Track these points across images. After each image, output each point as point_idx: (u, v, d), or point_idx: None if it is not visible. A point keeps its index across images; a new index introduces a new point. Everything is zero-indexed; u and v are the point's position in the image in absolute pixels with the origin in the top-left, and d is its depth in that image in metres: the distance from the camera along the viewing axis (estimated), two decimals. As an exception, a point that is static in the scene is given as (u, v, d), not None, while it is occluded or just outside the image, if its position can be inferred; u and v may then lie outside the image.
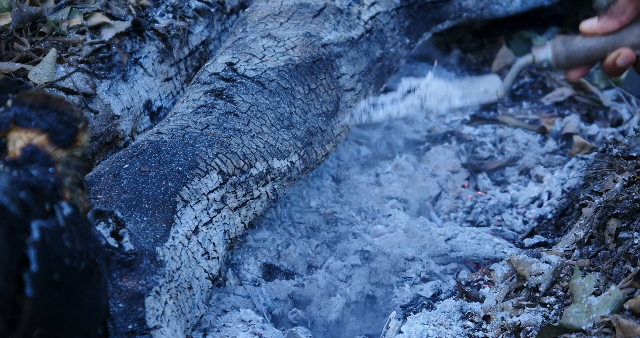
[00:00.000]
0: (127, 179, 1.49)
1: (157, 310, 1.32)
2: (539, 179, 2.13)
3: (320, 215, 1.95)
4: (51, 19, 1.90)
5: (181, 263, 1.43)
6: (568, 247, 1.64)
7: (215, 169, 1.58)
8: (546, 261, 1.59)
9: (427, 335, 1.53)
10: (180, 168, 1.54)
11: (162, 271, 1.36)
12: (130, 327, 1.27)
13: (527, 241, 1.85)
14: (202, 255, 1.51)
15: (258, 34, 1.91)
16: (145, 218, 1.43)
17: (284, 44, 1.88)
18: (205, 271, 1.52)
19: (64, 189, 0.94)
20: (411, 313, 1.65)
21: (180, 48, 2.08)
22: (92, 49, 1.88)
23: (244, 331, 1.57)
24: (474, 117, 2.38)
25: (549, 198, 2.03)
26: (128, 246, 1.32)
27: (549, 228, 1.91)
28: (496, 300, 1.58)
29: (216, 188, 1.58)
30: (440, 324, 1.56)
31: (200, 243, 1.51)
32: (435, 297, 1.72)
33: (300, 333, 1.58)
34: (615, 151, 1.79)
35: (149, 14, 2.06)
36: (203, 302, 1.52)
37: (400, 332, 1.55)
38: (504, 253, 1.80)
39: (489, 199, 2.06)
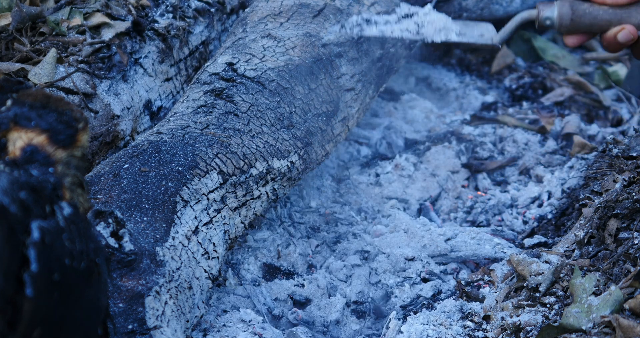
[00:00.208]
0: (127, 179, 1.49)
1: (157, 310, 1.32)
2: (539, 179, 2.13)
3: (320, 215, 1.96)
4: (51, 19, 1.90)
5: (181, 263, 1.43)
6: (568, 247, 1.64)
7: (215, 169, 1.58)
8: (546, 261, 1.59)
9: (427, 335, 1.53)
10: (180, 168, 1.54)
11: (162, 271, 1.36)
12: (130, 327, 1.27)
13: (527, 241, 1.85)
14: (202, 255, 1.51)
15: (258, 34, 1.91)
16: (145, 218, 1.43)
17: (284, 44, 1.88)
18: (205, 271, 1.52)
19: (64, 189, 0.94)
20: (411, 313, 1.65)
21: (180, 48, 2.08)
22: (92, 49, 1.88)
23: (244, 331, 1.57)
24: (474, 117, 2.38)
25: (549, 198, 2.03)
26: (128, 246, 1.32)
27: (549, 228, 1.91)
28: (496, 300, 1.58)
29: (216, 188, 1.58)
30: (440, 324, 1.56)
31: (200, 243, 1.51)
32: (435, 296, 1.72)
33: (300, 333, 1.58)
34: (615, 151, 1.79)
35: (149, 14, 2.06)
36: (203, 302, 1.52)
37: (400, 332, 1.55)
38: (504, 253, 1.80)
39: (489, 199, 2.06)
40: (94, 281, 0.93)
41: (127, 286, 1.30)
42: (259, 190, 1.69)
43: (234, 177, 1.62)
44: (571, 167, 2.10)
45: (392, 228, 1.88)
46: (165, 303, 1.34)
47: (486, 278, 1.73)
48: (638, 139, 1.80)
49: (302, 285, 1.72)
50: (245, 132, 1.69)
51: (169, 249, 1.41)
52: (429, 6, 1.77)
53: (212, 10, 2.21)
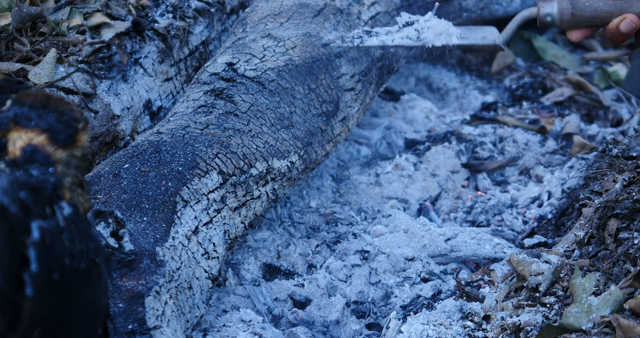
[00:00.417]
0: (127, 179, 1.49)
1: (157, 310, 1.32)
2: (539, 179, 2.13)
3: (320, 215, 1.95)
4: (51, 19, 1.90)
5: (181, 263, 1.43)
6: (568, 247, 1.64)
7: (215, 169, 1.58)
8: (546, 261, 1.59)
9: (427, 335, 1.53)
10: (180, 168, 1.54)
11: (162, 271, 1.36)
12: (130, 327, 1.27)
13: (527, 241, 1.85)
14: (202, 255, 1.51)
15: (258, 34, 1.91)
16: (145, 218, 1.43)
17: (284, 44, 1.88)
18: (205, 271, 1.52)
19: (64, 189, 0.94)
20: (411, 313, 1.65)
21: (180, 48, 2.08)
22: (92, 49, 1.88)
23: (244, 331, 1.57)
24: (474, 117, 2.38)
25: (549, 198, 2.03)
26: (128, 246, 1.32)
27: (549, 228, 1.91)
28: (496, 300, 1.58)
29: (216, 188, 1.58)
30: (440, 324, 1.56)
31: (200, 243, 1.51)
32: (435, 296, 1.72)
33: (300, 333, 1.58)
34: (615, 151, 1.79)
35: (149, 14, 2.06)
36: (203, 302, 1.52)
37: (400, 332, 1.55)
38: (504, 253, 1.80)
39: (489, 199, 2.06)
40: (94, 281, 0.93)
41: (127, 286, 1.30)
42: (259, 190, 1.69)
43: (234, 177, 1.62)
44: (571, 167, 2.10)
45: (392, 228, 1.88)
46: (165, 303, 1.34)
47: (486, 278, 1.73)
48: (638, 139, 1.80)
49: (302, 285, 1.72)
50: (245, 132, 1.69)
51: (169, 249, 1.41)
52: (429, 13, 1.77)
53: (212, 10, 2.21)
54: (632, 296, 1.34)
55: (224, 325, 1.58)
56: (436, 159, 2.15)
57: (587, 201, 1.74)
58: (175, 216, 1.47)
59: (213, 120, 1.68)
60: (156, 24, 2.03)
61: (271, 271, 1.78)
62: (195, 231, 1.51)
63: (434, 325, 1.55)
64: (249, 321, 1.59)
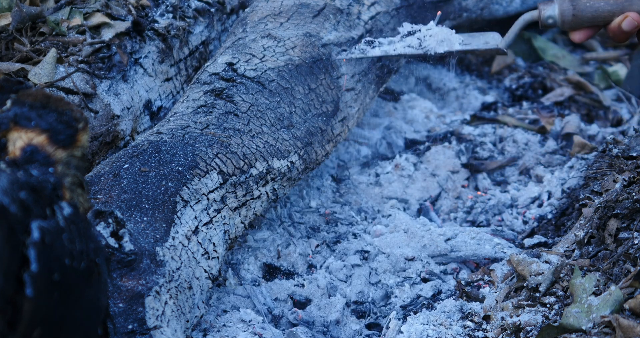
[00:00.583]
0: (127, 179, 1.49)
1: (157, 310, 1.32)
2: (539, 179, 2.13)
3: (320, 215, 1.95)
4: (51, 19, 1.90)
5: (181, 263, 1.43)
6: (568, 247, 1.64)
7: (215, 169, 1.58)
8: (546, 261, 1.59)
9: (427, 335, 1.53)
10: (180, 168, 1.54)
11: (162, 271, 1.36)
12: (130, 327, 1.27)
13: (527, 241, 1.85)
14: (202, 255, 1.51)
15: (258, 34, 1.91)
16: (145, 218, 1.43)
17: (284, 44, 1.88)
18: (205, 271, 1.52)
19: (64, 189, 0.94)
20: (411, 313, 1.65)
21: (180, 48, 2.08)
22: (92, 49, 1.88)
23: (244, 331, 1.57)
24: (474, 117, 2.38)
25: (549, 198, 2.03)
26: (128, 246, 1.32)
27: (549, 228, 1.91)
28: (496, 300, 1.58)
29: (216, 188, 1.58)
30: (440, 324, 1.56)
31: (200, 243, 1.51)
32: (435, 296, 1.72)
33: (300, 333, 1.58)
34: (615, 151, 1.79)
35: (149, 14, 2.06)
36: (203, 302, 1.52)
37: (400, 332, 1.55)
38: (504, 253, 1.80)
39: (489, 199, 2.06)
40: (94, 281, 0.93)
41: (127, 286, 1.30)
42: (259, 190, 1.69)
43: (234, 177, 1.62)
44: (571, 167, 2.10)
45: (392, 228, 1.88)
46: (165, 303, 1.34)
47: (486, 278, 1.73)
48: (638, 139, 1.80)
49: (302, 285, 1.72)
50: (245, 132, 1.69)
51: (169, 249, 1.41)
52: (432, 23, 1.77)
53: (212, 10, 2.21)
54: (632, 296, 1.34)
55: (224, 325, 1.58)
56: (436, 159, 2.15)
57: (587, 201, 1.74)
58: (175, 216, 1.47)
59: (213, 120, 1.68)
60: (156, 24, 2.03)
61: (271, 271, 1.78)
62: (195, 231, 1.51)
63: (434, 325, 1.55)
64: (249, 321, 1.59)
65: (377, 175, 2.10)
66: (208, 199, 1.56)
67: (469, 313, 1.60)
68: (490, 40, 1.71)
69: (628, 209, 1.54)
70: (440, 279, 1.78)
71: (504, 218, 2.01)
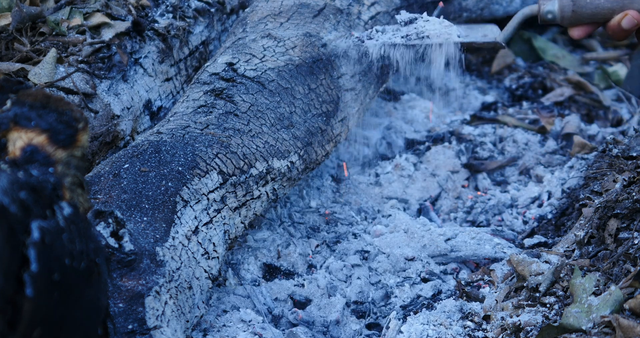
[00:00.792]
0: (127, 179, 1.49)
1: (157, 310, 1.32)
2: (539, 179, 2.13)
3: (320, 215, 1.95)
4: (51, 19, 1.90)
5: (181, 263, 1.43)
6: (568, 247, 1.64)
7: (215, 169, 1.58)
8: (546, 261, 1.59)
9: (427, 335, 1.53)
10: (180, 168, 1.54)
11: (162, 271, 1.36)
12: (130, 327, 1.27)
13: (527, 241, 1.85)
14: (202, 255, 1.51)
15: (258, 34, 1.91)
16: (145, 218, 1.43)
17: (284, 44, 1.88)
18: (205, 271, 1.52)
19: (64, 189, 0.94)
20: (411, 313, 1.65)
21: (180, 48, 2.08)
22: (92, 49, 1.88)
23: (244, 331, 1.57)
24: (474, 117, 2.38)
25: (549, 198, 2.03)
26: (128, 246, 1.32)
27: (549, 228, 1.91)
28: (496, 300, 1.58)
29: (216, 188, 1.58)
30: (440, 324, 1.56)
31: (200, 243, 1.51)
32: (435, 296, 1.72)
33: (300, 333, 1.58)
34: (615, 151, 1.79)
35: (149, 14, 2.06)
36: (203, 302, 1.52)
37: (400, 332, 1.55)
38: (504, 253, 1.80)
39: (489, 199, 2.06)
40: (94, 281, 0.93)
41: (127, 286, 1.30)
42: (259, 190, 1.69)
43: (234, 177, 1.62)
44: (571, 167, 2.10)
45: (392, 228, 1.88)
46: (165, 303, 1.34)
47: (486, 278, 1.73)
48: (638, 139, 1.80)
49: (302, 285, 1.72)
50: (245, 132, 1.69)
51: (169, 249, 1.41)
52: (430, 14, 1.77)
53: (212, 10, 2.21)
54: (632, 296, 1.34)
55: (224, 325, 1.58)
56: (436, 159, 2.15)
57: (587, 201, 1.74)
58: (175, 216, 1.47)
59: (213, 120, 1.68)
60: (156, 24, 2.03)
61: (271, 271, 1.78)
62: (195, 231, 1.51)
63: (434, 325, 1.55)
64: (249, 321, 1.59)
65: (377, 175, 2.10)
66: (208, 199, 1.56)
67: (469, 313, 1.60)
68: (489, 33, 1.71)
69: (628, 209, 1.54)
70: (440, 279, 1.78)
71: (504, 218, 2.01)
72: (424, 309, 1.65)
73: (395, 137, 2.27)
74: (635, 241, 1.47)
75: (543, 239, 1.85)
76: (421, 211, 2.02)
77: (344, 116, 1.94)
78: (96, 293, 0.94)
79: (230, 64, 1.82)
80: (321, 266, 1.80)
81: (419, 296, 1.72)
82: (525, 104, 2.48)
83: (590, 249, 1.57)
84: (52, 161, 0.94)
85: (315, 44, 1.90)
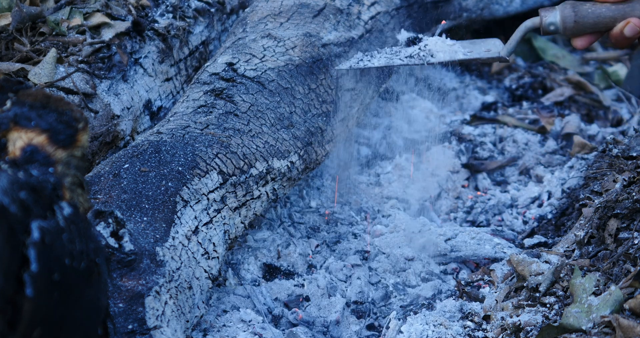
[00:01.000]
0: (127, 179, 1.49)
1: (157, 310, 1.32)
2: (539, 179, 2.13)
3: (320, 215, 1.95)
4: (51, 19, 1.90)
5: (181, 263, 1.43)
6: (568, 247, 1.64)
7: (215, 169, 1.58)
8: (546, 261, 1.59)
9: (427, 335, 1.53)
10: (180, 168, 1.54)
11: (162, 271, 1.36)
12: (130, 327, 1.27)
13: (527, 241, 1.85)
14: (202, 255, 1.51)
15: (258, 34, 1.91)
16: (145, 218, 1.43)
17: (284, 44, 1.88)
18: (205, 271, 1.52)
19: (64, 189, 0.94)
20: (411, 313, 1.65)
21: (180, 48, 2.08)
22: (92, 49, 1.88)
23: (244, 331, 1.57)
24: (474, 117, 2.38)
25: (549, 198, 2.03)
26: (128, 246, 1.32)
27: (549, 228, 1.91)
28: (496, 300, 1.58)
29: (216, 188, 1.58)
30: (440, 324, 1.55)
31: (200, 243, 1.51)
32: (435, 297, 1.72)
33: (300, 333, 1.58)
34: (615, 151, 1.79)
35: (149, 14, 2.06)
36: (203, 302, 1.52)
37: (400, 332, 1.55)
38: (504, 253, 1.80)
39: (489, 199, 2.06)
40: (94, 281, 0.93)
41: (127, 286, 1.30)
42: (259, 190, 1.69)
43: (234, 177, 1.62)
44: (571, 167, 2.10)
45: (392, 228, 1.88)
46: (165, 303, 1.34)
47: (486, 278, 1.73)
48: (638, 139, 1.80)
49: (302, 285, 1.72)
50: (245, 132, 1.69)
51: (169, 249, 1.41)
52: (426, 36, 1.78)
53: (212, 10, 2.21)
54: (632, 296, 1.34)
55: (224, 325, 1.58)
56: (436, 159, 2.15)
57: (587, 201, 1.74)
58: (175, 216, 1.47)
59: (213, 120, 1.68)
60: (156, 24, 2.03)
61: (271, 271, 1.78)
62: (195, 231, 1.51)
63: (434, 325, 1.55)
64: (249, 321, 1.59)
65: (377, 175, 2.10)
66: (208, 199, 1.56)
67: (469, 313, 1.60)
68: (492, 47, 1.71)
69: (628, 209, 1.54)
70: (440, 279, 1.78)
71: (504, 218, 2.01)
72: (424, 309, 1.65)
73: (395, 137, 2.27)
74: (635, 241, 1.47)
75: (543, 239, 1.85)
76: (421, 211, 2.02)
77: (344, 116, 1.94)
78: (96, 293, 0.94)
79: (230, 64, 1.82)
80: (321, 266, 1.80)
81: (419, 296, 1.72)
82: (525, 104, 2.48)
83: (590, 249, 1.57)
84: (52, 161, 0.94)
85: (315, 44, 1.90)
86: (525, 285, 1.55)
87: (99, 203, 1.43)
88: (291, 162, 1.75)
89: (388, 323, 1.58)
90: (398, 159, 2.13)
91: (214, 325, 1.58)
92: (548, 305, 1.47)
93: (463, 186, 2.12)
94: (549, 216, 1.95)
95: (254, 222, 1.84)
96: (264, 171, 1.68)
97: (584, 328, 1.33)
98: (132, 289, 1.30)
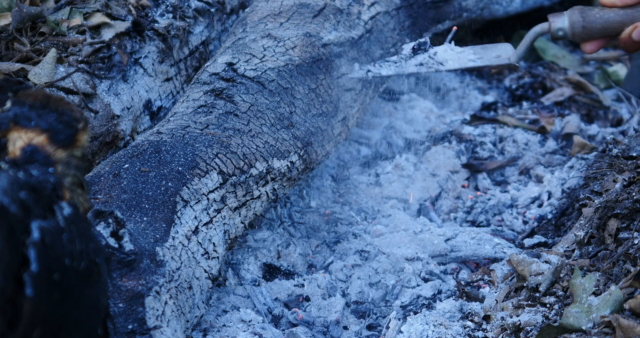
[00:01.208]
0: (127, 179, 1.49)
1: (157, 310, 1.32)
2: (539, 179, 2.13)
3: (320, 214, 1.95)
4: (51, 19, 1.90)
5: (181, 263, 1.43)
6: (568, 247, 1.64)
7: (215, 169, 1.58)
8: (546, 261, 1.59)
9: (427, 335, 1.53)
10: (180, 168, 1.54)
11: (162, 271, 1.36)
12: (130, 327, 1.27)
13: (527, 241, 1.85)
14: (202, 255, 1.51)
15: (258, 34, 1.91)
16: (145, 218, 1.43)
17: (284, 44, 1.88)
18: (205, 271, 1.52)
19: (64, 189, 0.94)
20: (411, 313, 1.65)
21: (180, 48, 2.08)
22: (92, 49, 1.88)
23: (244, 331, 1.57)
24: (474, 117, 2.38)
25: (549, 198, 2.03)
26: (128, 246, 1.32)
27: (549, 228, 1.91)
28: (496, 300, 1.58)
29: (216, 188, 1.58)
30: (440, 324, 1.55)
31: (200, 243, 1.51)
32: (435, 296, 1.72)
33: (300, 333, 1.58)
34: (615, 151, 1.79)
35: (149, 14, 2.06)
36: (203, 302, 1.52)
37: (400, 332, 1.55)
38: (504, 253, 1.80)
39: (489, 199, 2.06)
40: (94, 281, 0.93)
41: (127, 286, 1.30)
42: (259, 190, 1.69)
43: (234, 177, 1.62)
44: (571, 167, 2.10)
45: (392, 228, 1.88)
46: (165, 303, 1.34)
47: (486, 278, 1.73)
48: (638, 139, 1.80)
49: (302, 285, 1.72)
50: (245, 132, 1.69)
51: (169, 249, 1.41)
52: (445, 43, 1.78)
53: (212, 10, 2.21)
54: (632, 296, 1.34)
55: (224, 325, 1.58)
56: (436, 159, 2.15)
57: (587, 201, 1.74)
58: (175, 216, 1.47)
59: (213, 120, 1.68)
60: (156, 24, 2.03)
61: (271, 271, 1.78)
62: (195, 231, 1.51)
63: (434, 325, 1.55)
64: (249, 321, 1.59)
65: (377, 175, 2.10)
66: (208, 199, 1.56)
67: (469, 313, 1.60)
68: (502, 53, 1.72)
69: (628, 209, 1.54)
70: (440, 279, 1.78)
71: (504, 218, 2.01)
72: (424, 309, 1.65)
73: (395, 137, 2.27)
74: (635, 241, 1.47)
75: (543, 239, 1.85)
76: (421, 211, 2.02)
77: (344, 116, 1.94)
78: (96, 293, 0.94)
79: (230, 64, 1.82)
80: (321, 266, 1.80)
81: (419, 296, 1.72)
82: (525, 104, 2.48)
83: (590, 249, 1.57)
84: (52, 161, 0.94)
85: (315, 44, 1.90)
86: (525, 285, 1.55)
87: (99, 203, 1.43)
88: (291, 162, 1.75)
89: (388, 323, 1.58)
90: (398, 159, 2.12)
91: (214, 325, 1.58)
92: (548, 305, 1.47)
93: (463, 186, 2.12)
94: (549, 216, 1.95)
95: (254, 222, 1.84)
96: (264, 171, 1.68)
97: (584, 328, 1.33)
98: (132, 289, 1.30)
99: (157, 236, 1.42)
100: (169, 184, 1.50)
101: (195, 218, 1.52)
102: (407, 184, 2.07)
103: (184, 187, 1.51)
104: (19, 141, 0.94)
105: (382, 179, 2.08)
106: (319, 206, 1.98)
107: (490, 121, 2.36)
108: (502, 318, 1.50)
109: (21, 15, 1.86)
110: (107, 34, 1.92)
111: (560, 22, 1.56)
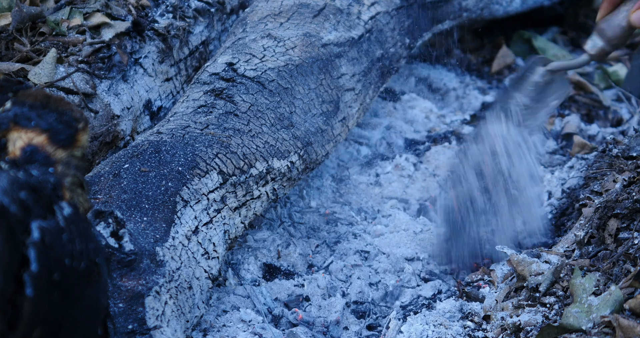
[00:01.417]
0: (127, 179, 1.49)
1: (157, 310, 1.32)
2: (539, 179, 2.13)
3: (320, 214, 1.95)
4: (51, 19, 1.90)
5: (181, 263, 1.43)
6: (568, 247, 1.64)
7: (215, 169, 1.58)
8: (546, 261, 1.59)
9: (427, 335, 1.53)
10: (180, 168, 1.54)
11: (162, 271, 1.36)
12: (130, 327, 1.27)
13: (527, 241, 1.85)
14: (202, 255, 1.51)
15: (258, 34, 1.91)
16: (145, 218, 1.43)
17: (284, 44, 1.88)
18: (205, 271, 1.52)
19: (64, 189, 0.94)
20: (411, 313, 1.65)
21: (180, 48, 2.08)
22: (92, 49, 1.88)
23: (244, 331, 1.57)
24: (474, 117, 2.38)
25: (549, 198, 2.03)
26: (128, 246, 1.32)
27: (549, 228, 1.91)
28: (496, 300, 1.58)
29: (216, 188, 1.58)
30: (440, 324, 1.55)
31: (200, 243, 1.51)
32: (435, 296, 1.72)
33: (300, 333, 1.58)
34: (615, 151, 1.79)
35: (149, 14, 2.06)
36: (203, 302, 1.52)
37: (400, 332, 1.55)
38: (504, 253, 1.80)
39: (489, 199, 2.06)
40: (94, 281, 0.93)
41: (127, 286, 1.30)
42: (259, 190, 1.69)
43: (234, 177, 1.62)
44: (571, 167, 2.10)
45: (392, 228, 1.88)
46: (165, 303, 1.35)
47: (486, 278, 1.73)
48: (638, 139, 1.80)
49: (302, 285, 1.72)
50: (245, 132, 1.69)
51: (169, 249, 1.41)
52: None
53: (212, 10, 2.21)
54: (632, 296, 1.34)
55: (224, 325, 1.58)
56: (436, 159, 2.15)
57: (587, 201, 1.74)
58: (175, 216, 1.47)
59: (213, 120, 1.68)
60: (156, 24, 2.03)
61: (271, 271, 1.78)
62: (195, 231, 1.51)
63: (434, 325, 1.55)
64: (249, 321, 1.59)
65: (377, 175, 2.10)
66: (208, 199, 1.56)
67: (469, 313, 1.60)
68: (560, 89, 1.75)
69: (628, 209, 1.54)
70: (440, 279, 1.78)
71: (504, 218, 2.00)
72: (424, 309, 1.65)
73: (395, 137, 2.27)
74: (635, 241, 1.47)
75: (543, 239, 1.85)
76: (421, 211, 2.02)
77: (344, 116, 1.94)
78: (96, 293, 0.94)
79: (230, 64, 1.82)
80: (321, 266, 1.81)
81: (419, 296, 1.72)
82: (525, 104, 2.47)
83: (590, 249, 1.57)
84: (52, 161, 0.94)
85: (315, 44, 1.90)
86: (525, 285, 1.55)
87: (99, 203, 1.43)
88: (291, 162, 1.75)
89: (388, 323, 1.58)
90: (398, 159, 2.12)
91: (214, 325, 1.58)
92: (548, 305, 1.47)
93: (463, 186, 2.12)
94: (549, 216, 1.95)
95: (254, 222, 1.84)
96: (264, 171, 1.68)
97: (584, 328, 1.33)
98: (132, 289, 1.30)
99: (157, 236, 1.42)
100: (169, 184, 1.50)
101: (195, 218, 1.52)
102: (407, 184, 2.07)
103: (184, 187, 1.51)
104: (19, 141, 0.94)
105: (382, 179, 2.08)
106: (319, 206, 1.98)
107: (490, 121, 2.36)
108: (502, 318, 1.50)
109: (21, 15, 1.86)
110: (107, 34, 1.92)
111: (591, 42, 1.62)
